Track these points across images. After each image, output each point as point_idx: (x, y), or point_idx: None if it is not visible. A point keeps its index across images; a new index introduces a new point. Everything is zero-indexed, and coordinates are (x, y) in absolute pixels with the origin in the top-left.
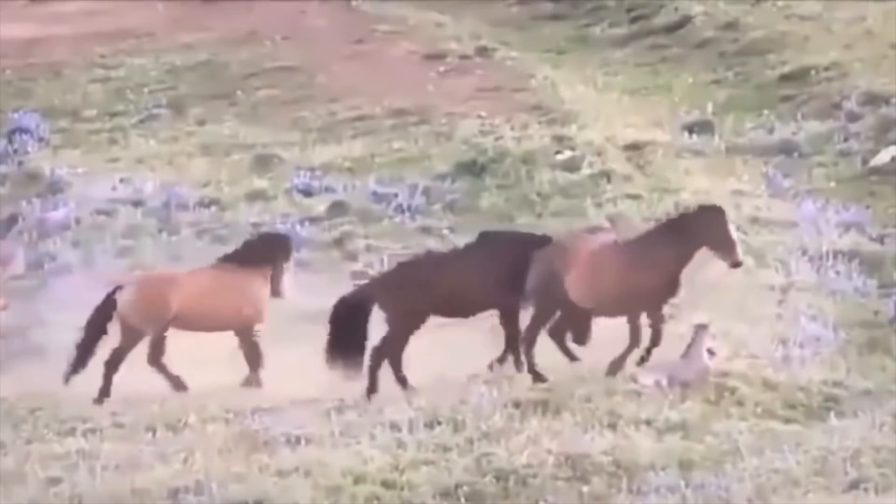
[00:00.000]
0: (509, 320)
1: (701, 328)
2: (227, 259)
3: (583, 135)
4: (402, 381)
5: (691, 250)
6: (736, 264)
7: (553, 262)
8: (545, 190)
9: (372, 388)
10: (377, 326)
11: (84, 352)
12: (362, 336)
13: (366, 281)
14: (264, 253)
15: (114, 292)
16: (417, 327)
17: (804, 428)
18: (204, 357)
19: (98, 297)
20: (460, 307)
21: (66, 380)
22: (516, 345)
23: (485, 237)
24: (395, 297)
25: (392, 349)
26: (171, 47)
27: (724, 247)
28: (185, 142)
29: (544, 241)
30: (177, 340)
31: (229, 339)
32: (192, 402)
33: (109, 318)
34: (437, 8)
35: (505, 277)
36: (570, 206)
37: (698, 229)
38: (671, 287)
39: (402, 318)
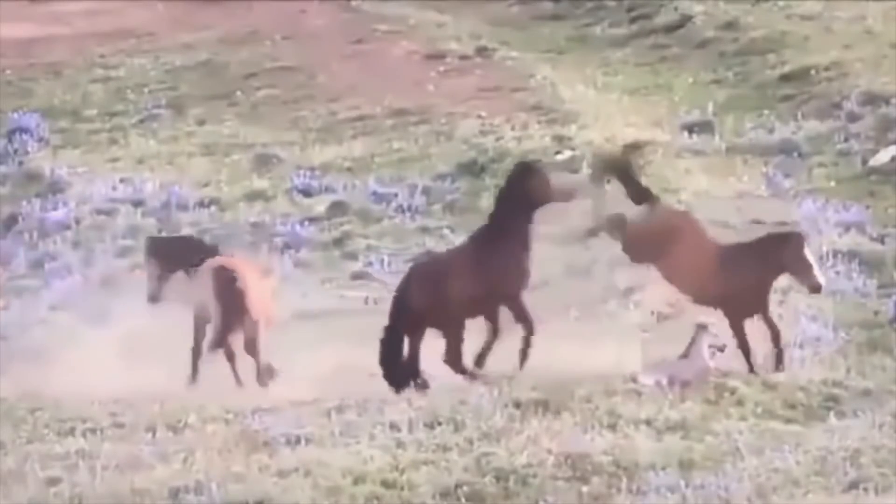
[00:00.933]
0: (517, 310)
1: (701, 328)
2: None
3: (583, 135)
4: (420, 384)
5: (776, 274)
6: (815, 288)
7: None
8: None
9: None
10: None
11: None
12: (395, 355)
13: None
14: None
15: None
16: (455, 329)
17: (804, 428)
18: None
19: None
20: (469, 308)
21: None
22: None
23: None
24: (403, 307)
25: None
26: (171, 47)
27: (803, 272)
28: (185, 142)
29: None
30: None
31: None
32: (191, 402)
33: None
34: (438, 8)
35: (499, 267)
36: (570, 205)
37: (781, 255)
38: (759, 303)
39: (407, 324)
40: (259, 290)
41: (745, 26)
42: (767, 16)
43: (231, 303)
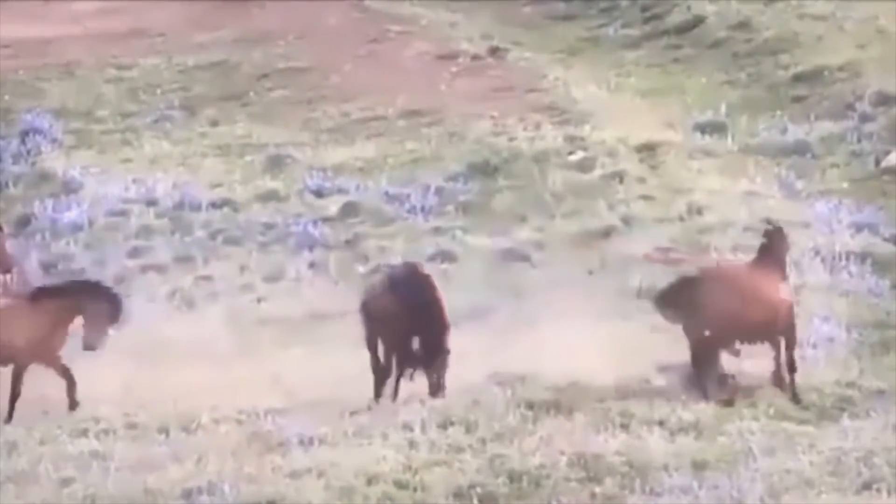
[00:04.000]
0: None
1: None
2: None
3: (595, 135)
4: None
5: None
6: None
7: None
8: (558, 190)
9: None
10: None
11: None
12: None
13: None
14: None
15: None
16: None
17: (817, 429)
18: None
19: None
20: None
21: None
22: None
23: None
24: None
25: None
26: (184, 48)
27: None
28: (198, 142)
29: None
30: None
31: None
32: (204, 403)
33: None
34: (450, 8)
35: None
36: (583, 206)
37: None
38: None
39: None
40: None
41: (757, 26)
42: (780, 16)
43: None
